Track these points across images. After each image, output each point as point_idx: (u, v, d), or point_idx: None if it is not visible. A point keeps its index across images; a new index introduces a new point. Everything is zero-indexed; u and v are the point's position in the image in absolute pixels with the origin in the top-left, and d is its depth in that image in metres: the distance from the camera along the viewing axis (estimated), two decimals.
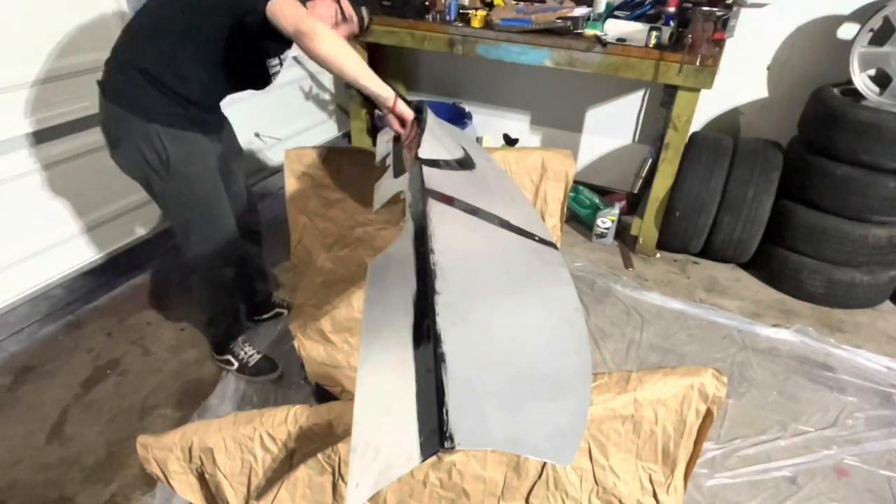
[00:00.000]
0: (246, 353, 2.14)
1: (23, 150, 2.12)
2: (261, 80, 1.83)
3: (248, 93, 1.89)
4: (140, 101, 1.63)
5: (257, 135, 3.20)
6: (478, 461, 1.03)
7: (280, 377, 2.15)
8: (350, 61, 1.45)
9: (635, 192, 3.27)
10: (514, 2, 3.00)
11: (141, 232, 2.68)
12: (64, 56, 2.16)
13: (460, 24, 2.89)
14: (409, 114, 1.53)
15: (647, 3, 2.73)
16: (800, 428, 2.04)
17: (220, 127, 1.91)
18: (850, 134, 2.40)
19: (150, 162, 1.69)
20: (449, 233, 0.98)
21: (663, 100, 3.08)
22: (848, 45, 2.50)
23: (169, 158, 1.69)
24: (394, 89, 1.54)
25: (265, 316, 2.43)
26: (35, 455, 1.84)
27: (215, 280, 1.97)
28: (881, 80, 2.47)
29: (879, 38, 2.42)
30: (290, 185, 1.86)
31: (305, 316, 1.95)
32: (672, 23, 2.58)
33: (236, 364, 2.13)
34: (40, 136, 2.16)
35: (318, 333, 1.94)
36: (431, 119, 1.50)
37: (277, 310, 2.45)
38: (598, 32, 2.64)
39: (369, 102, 1.72)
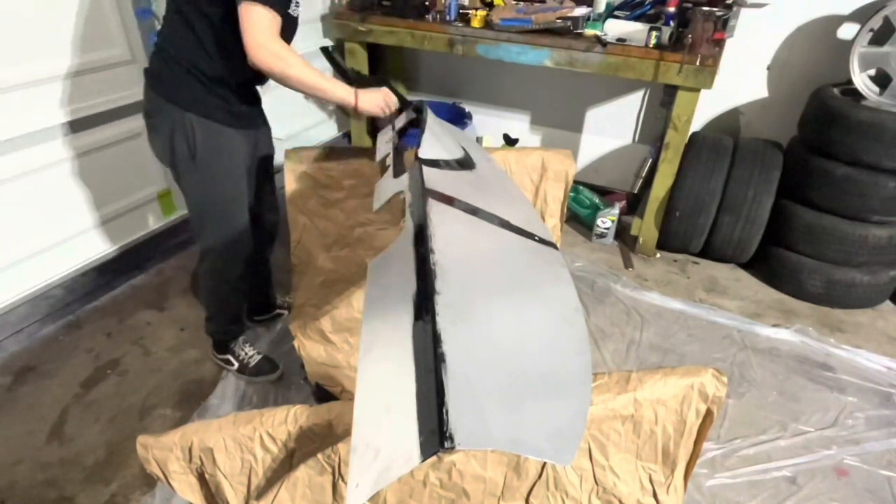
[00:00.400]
0: (246, 353, 2.14)
1: (22, 150, 2.12)
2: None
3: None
4: (177, 89, 1.65)
5: None
6: (478, 461, 1.03)
7: (280, 377, 2.15)
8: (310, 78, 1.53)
9: (635, 192, 3.27)
10: (514, 2, 3.00)
11: (141, 232, 2.68)
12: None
13: (460, 24, 2.89)
14: (384, 102, 1.62)
15: (647, 3, 2.73)
16: (800, 428, 2.04)
17: (255, 123, 1.88)
18: (850, 134, 2.40)
19: (178, 150, 1.71)
20: (449, 233, 0.98)
21: (663, 100, 3.08)
22: (848, 45, 2.50)
23: (197, 149, 1.70)
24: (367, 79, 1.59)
25: (265, 317, 2.43)
26: (35, 455, 1.84)
27: (221, 275, 1.97)
28: (881, 80, 2.47)
29: (879, 38, 2.42)
30: (290, 185, 1.86)
31: (305, 316, 1.95)
32: (672, 23, 2.59)
33: (236, 364, 2.13)
34: (40, 137, 2.16)
35: (318, 333, 1.94)
36: (431, 119, 1.50)
37: (278, 311, 2.46)
38: (598, 32, 2.64)
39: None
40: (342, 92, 1.58)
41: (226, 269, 1.96)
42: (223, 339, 2.14)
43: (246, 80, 1.73)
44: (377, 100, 1.63)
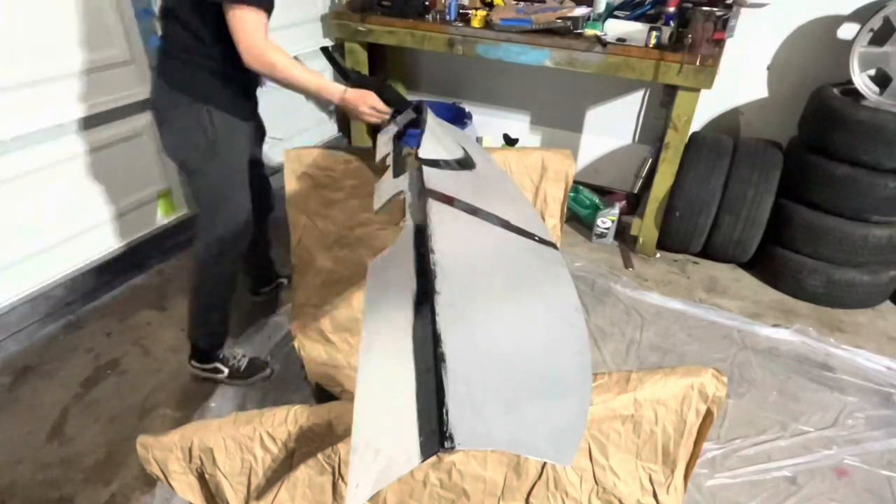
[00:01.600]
0: (235, 356, 2.10)
1: (21, 150, 2.12)
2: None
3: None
4: (192, 83, 1.69)
5: None
6: (478, 461, 1.03)
7: (271, 374, 2.14)
8: (299, 76, 1.63)
9: (635, 192, 3.27)
10: (514, 2, 3.00)
11: (141, 231, 2.68)
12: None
13: (460, 24, 2.89)
14: (371, 105, 1.68)
15: (647, 3, 2.73)
16: (800, 428, 2.04)
17: (254, 111, 1.95)
18: (850, 134, 2.40)
19: (195, 142, 1.74)
20: (449, 233, 0.98)
21: (663, 100, 3.08)
22: (848, 45, 2.50)
23: (216, 140, 1.74)
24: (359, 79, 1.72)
25: (267, 288, 2.51)
26: (35, 455, 1.84)
27: (219, 262, 1.93)
28: (881, 80, 2.47)
29: (879, 38, 2.42)
30: (290, 185, 1.86)
31: (305, 316, 1.95)
32: (672, 23, 2.59)
33: (226, 371, 2.07)
34: (38, 138, 2.16)
35: (318, 333, 1.94)
36: (431, 119, 1.50)
37: (280, 280, 2.53)
38: (598, 32, 2.64)
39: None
40: (330, 87, 1.67)
41: (226, 253, 1.92)
42: (210, 346, 2.08)
43: (245, 74, 1.75)
44: (364, 97, 1.68)
